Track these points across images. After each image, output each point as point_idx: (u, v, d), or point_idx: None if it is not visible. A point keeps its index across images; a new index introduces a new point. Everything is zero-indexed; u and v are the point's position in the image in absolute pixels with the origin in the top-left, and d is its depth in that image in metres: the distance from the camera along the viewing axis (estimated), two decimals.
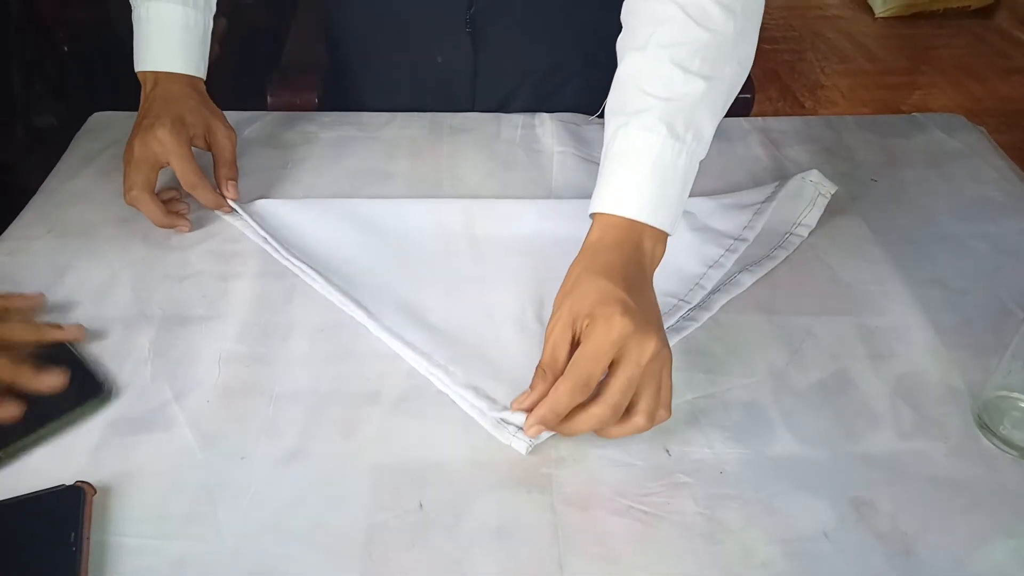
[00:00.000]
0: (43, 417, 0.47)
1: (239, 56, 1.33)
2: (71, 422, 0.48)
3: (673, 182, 0.52)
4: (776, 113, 2.37)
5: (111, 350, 0.55)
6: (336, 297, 0.59)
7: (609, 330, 0.46)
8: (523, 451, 0.48)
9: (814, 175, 0.67)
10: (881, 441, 0.50)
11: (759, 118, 0.84)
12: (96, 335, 0.56)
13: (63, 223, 0.66)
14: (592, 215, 0.54)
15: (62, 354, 0.52)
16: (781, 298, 0.61)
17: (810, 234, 0.67)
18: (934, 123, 0.84)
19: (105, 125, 0.79)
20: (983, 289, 0.62)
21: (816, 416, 0.52)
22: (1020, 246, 0.66)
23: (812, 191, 0.68)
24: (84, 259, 0.62)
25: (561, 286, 0.51)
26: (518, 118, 0.82)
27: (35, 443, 0.47)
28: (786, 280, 0.63)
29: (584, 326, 0.47)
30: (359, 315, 0.57)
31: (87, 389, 0.49)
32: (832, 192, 0.67)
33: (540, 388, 0.47)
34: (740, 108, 1.02)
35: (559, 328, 0.48)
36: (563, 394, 0.46)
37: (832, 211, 0.68)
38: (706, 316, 0.59)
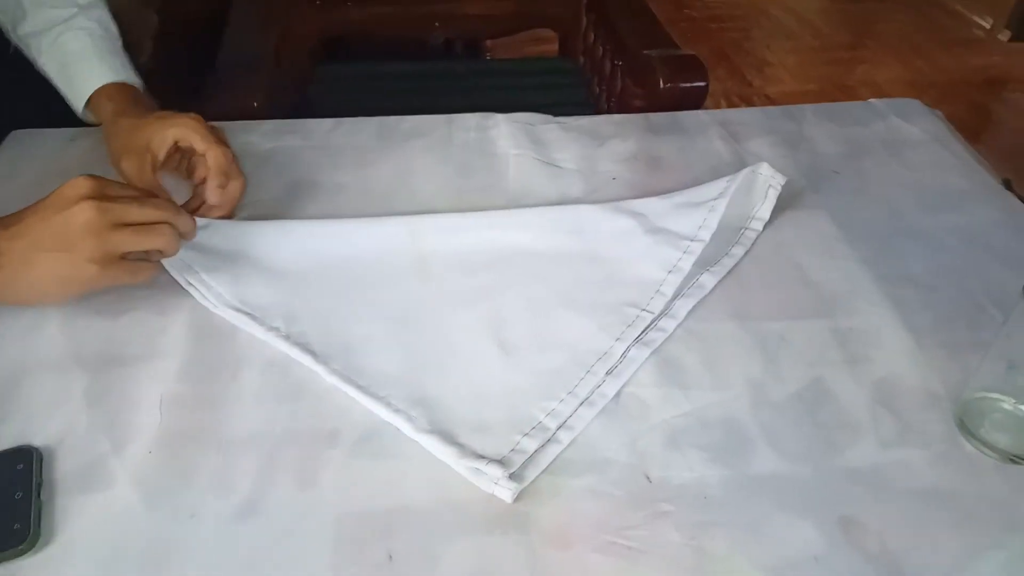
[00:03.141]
0: None
1: (172, 55, 1.26)
2: None
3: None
4: (725, 93, 2.37)
5: (39, 400, 0.50)
6: (280, 344, 0.54)
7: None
8: (508, 499, 0.45)
9: (764, 168, 0.65)
10: (864, 453, 0.48)
11: (718, 111, 0.82)
12: (21, 384, 0.51)
13: None
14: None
15: (22, 485, 0.45)
16: (751, 302, 0.59)
17: (776, 232, 0.65)
18: (891, 109, 0.83)
19: (23, 144, 0.72)
20: (954, 284, 0.61)
21: (796, 430, 0.50)
22: (988, 238, 0.65)
23: (763, 184, 0.66)
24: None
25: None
26: (471, 119, 0.78)
27: None
28: (754, 282, 0.61)
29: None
30: (306, 360, 0.52)
31: (14, 537, 0.42)
32: (782, 183, 0.65)
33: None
34: (694, 96, 1.01)
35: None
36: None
37: (797, 206, 0.66)
38: (674, 325, 0.57)
